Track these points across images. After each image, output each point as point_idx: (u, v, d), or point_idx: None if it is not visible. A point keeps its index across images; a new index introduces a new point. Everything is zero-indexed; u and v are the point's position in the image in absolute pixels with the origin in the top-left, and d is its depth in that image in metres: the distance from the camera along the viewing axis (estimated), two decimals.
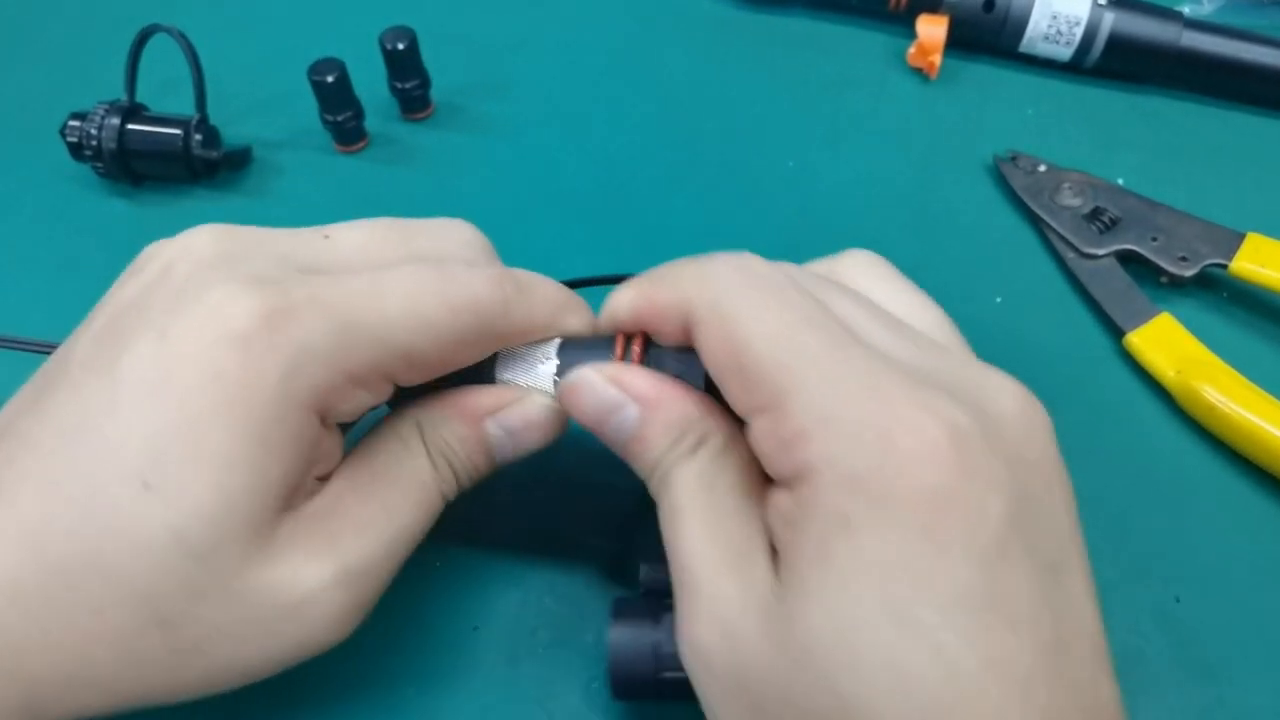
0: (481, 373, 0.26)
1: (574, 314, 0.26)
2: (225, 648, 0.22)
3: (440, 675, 0.28)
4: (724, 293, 0.21)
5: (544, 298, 0.25)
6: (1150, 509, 0.31)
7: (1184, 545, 0.31)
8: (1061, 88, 0.46)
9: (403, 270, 0.23)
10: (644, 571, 0.25)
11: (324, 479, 0.24)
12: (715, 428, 0.22)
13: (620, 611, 0.25)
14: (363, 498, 0.24)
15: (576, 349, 0.25)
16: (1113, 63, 0.45)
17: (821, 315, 0.20)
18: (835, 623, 0.18)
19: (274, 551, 0.22)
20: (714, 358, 0.21)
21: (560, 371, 0.25)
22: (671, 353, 0.24)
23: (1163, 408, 0.34)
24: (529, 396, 0.25)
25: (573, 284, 0.27)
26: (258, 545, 0.21)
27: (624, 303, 0.24)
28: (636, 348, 0.24)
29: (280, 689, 0.27)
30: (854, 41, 0.48)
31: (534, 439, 0.26)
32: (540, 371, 0.25)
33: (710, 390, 0.23)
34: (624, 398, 0.23)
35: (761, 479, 0.22)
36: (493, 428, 0.25)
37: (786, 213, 0.39)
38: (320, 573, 0.22)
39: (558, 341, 0.26)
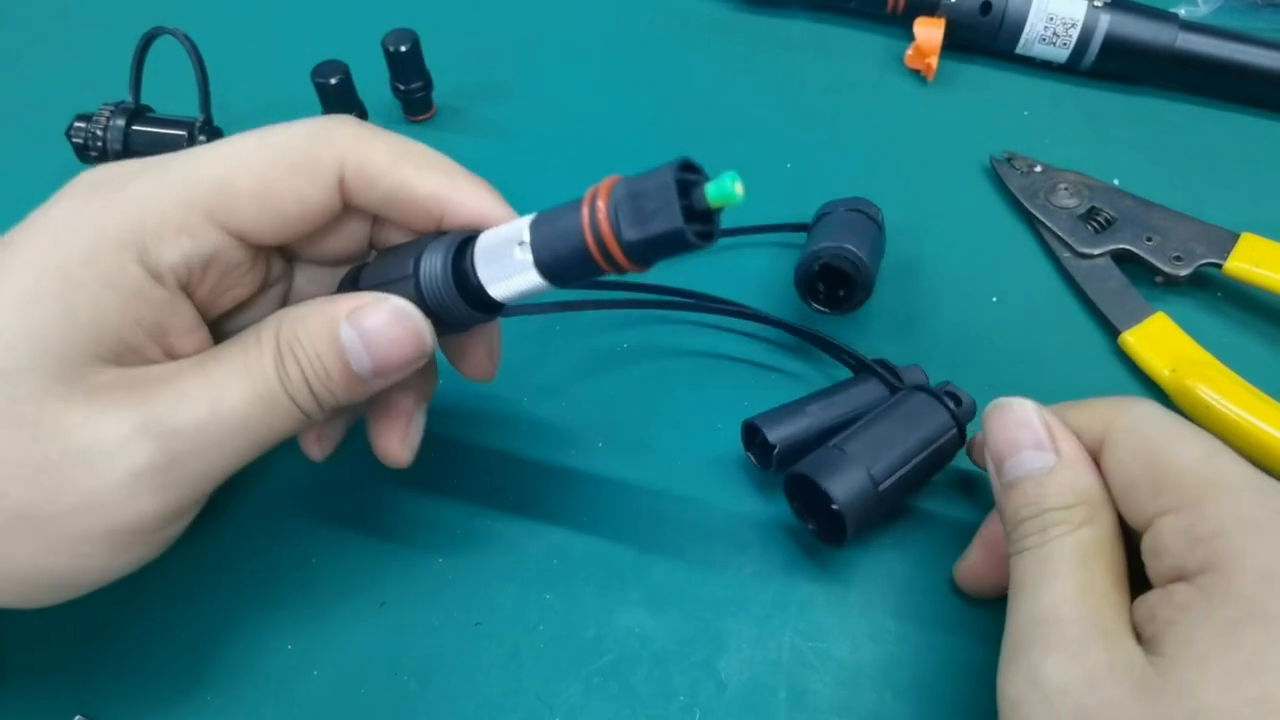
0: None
1: (419, 162, 0.24)
2: (13, 487, 0.21)
3: (443, 670, 0.28)
4: (1143, 417, 0.24)
5: (395, 140, 0.24)
6: None
7: None
8: (1058, 89, 0.46)
9: (237, 135, 0.24)
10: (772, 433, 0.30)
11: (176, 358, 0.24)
12: (1106, 516, 0.24)
13: (818, 472, 0.27)
14: (193, 373, 0.23)
15: (548, 214, 0.22)
16: (1109, 64, 0.45)
17: (1224, 446, 0.23)
18: (1232, 702, 0.19)
19: (79, 395, 0.21)
20: (1125, 467, 0.24)
21: (536, 255, 0.22)
22: (635, 178, 0.21)
23: None
24: (386, 299, 0.23)
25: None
26: (61, 383, 0.21)
27: (1033, 413, 0.26)
28: (601, 201, 0.21)
29: (283, 682, 0.28)
30: (852, 43, 0.48)
31: (389, 350, 0.23)
32: (509, 233, 0.22)
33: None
34: (1048, 443, 0.25)
35: (1124, 574, 0.24)
36: (345, 329, 0.23)
37: (785, 215, 0.40)
38: (119, 423, 0.21)
39: (529, 220, 0.22)
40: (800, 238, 0.38)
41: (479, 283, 0.23)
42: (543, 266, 0.22)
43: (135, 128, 0.40)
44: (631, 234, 0.20)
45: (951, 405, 0.30)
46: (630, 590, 0.30)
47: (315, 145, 0.23)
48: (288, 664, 0.28)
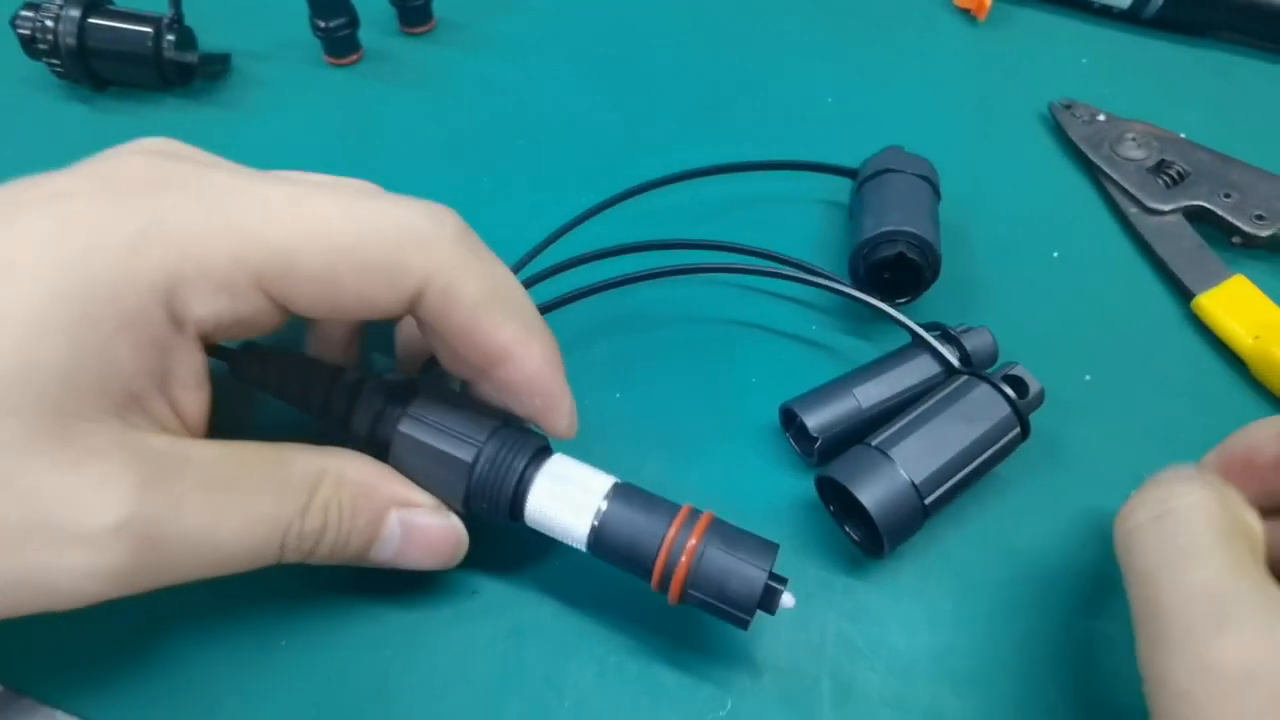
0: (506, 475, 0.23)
1: (504, 308, 0.21)
2: None
3: (432, 645, 0.24)
4: None
5: (491, 273, 0.21)
6: None
7: None
8: (1118, 37, 0.42)
9: (318, 182, 0.20)
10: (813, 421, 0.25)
11: (183, 419, 0.20)
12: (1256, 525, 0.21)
13: (854, 480, 0.24)
14: (198, 478, 0.19)
15: (630, 503, 0.23)
16: (1175, 11, 0.41)
17: None
18: None
19: (67, 456, 0.17)
20: None
21: (601, 518, 0.22)
22: (731, 534, 0.22)
23: (1234, 375, 0.31)
24: (444, 511, 0.23)
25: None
26: (49, 435, 0.17)
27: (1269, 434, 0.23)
28: (701, 524, 0.22)
29: (250, 653, 0.24)
30: None
31: (417, 554, 0.23)
32: (580, 502, 0.22)
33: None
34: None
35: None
36: (393, 520, 0.22)
37: (823, 150, 0.36)
38: (102, 512, 0.18)
39: (613, 482, 0.23)
40: (844, 184, 0.34)
41: (522, 506, 0.23)
42: (594, 545, 0.23)
43: (92, 20, 0.35)
44: (698, 594, 0.22)
45: (1014, 395, 0.26)
46: None
47: (406, 251, 0.20)
48: (256, 634, 0.24)
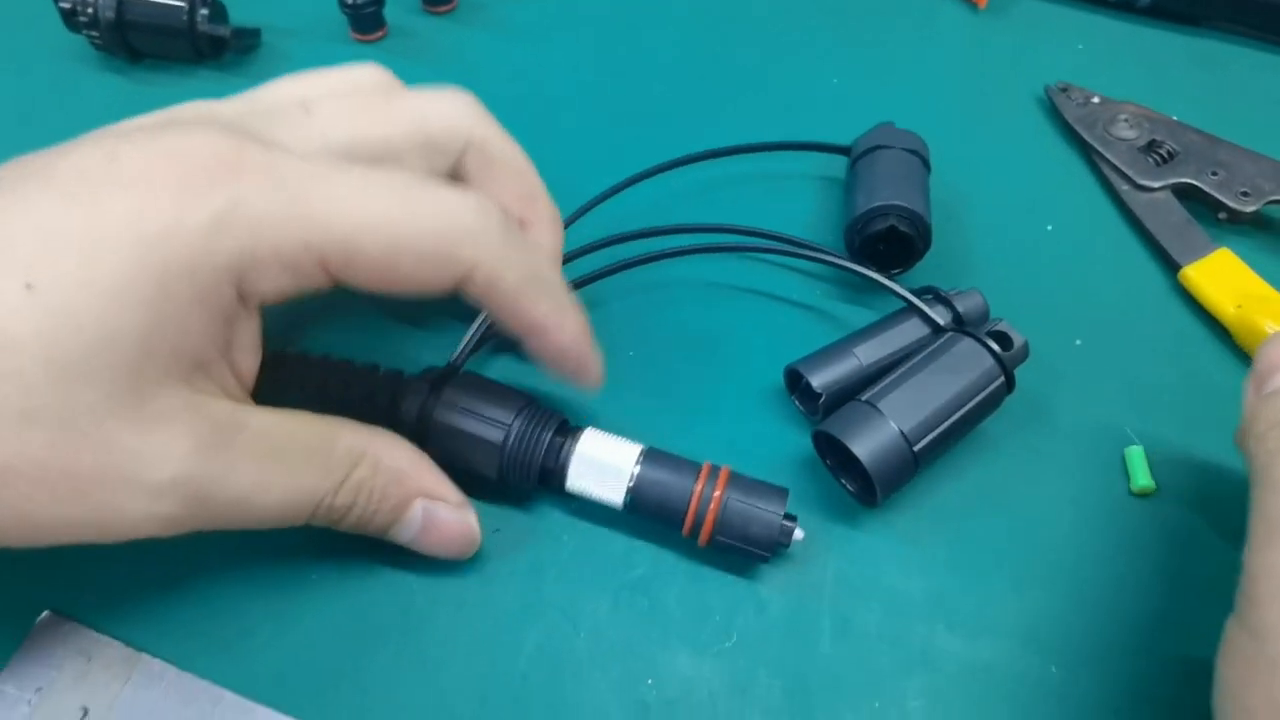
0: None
1: (540, 289, 0.23)
2: (40, 491, 0.19)
3: (454, 579, 0.26)
4: None
5: (528, 261, 0.23)
6: (1204, 443, 0.30)
7: (1239, 481, 0.29)
8: (1113, 25, 0.44)
9: (378, 174, 0.22)
10: (816, 379, 0.28)
11: (240, 380, 0.22)
12: None
13: (846, 431, 0.25)
14: (259, 447, 0.21)
15: (659, 466, 0.25)
16: (1170, 1, 0.43)
17: None
18: None
19: (140, 418, 0.20)
20: None
21: (635, 481, 0.25)
22: (748, 484, 0.25)
23: (1218, 342, 0.33)
24: (466, 508, 0.25)
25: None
26: (126, 398, 0.19)
27: None
28: (722, 477, 0.25)
29: (276, 585, 0.25)
30: None
31: (433, 542, 0.25)
32: (615, 472, 0.25)
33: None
34: None
35: None
36: (417, 509, 0.24)
37: (827, 130, 0.37)
38: (163, 467, 0.20)
39: (640, 450, 0.26)
40: (841, 161, 0.35)
41: (561, 477, 0.26)
42: (630, 506, 0.26)
43: None
44: (725, 539, 0.25)
45: (998, 349, 0.27)
46: None
47: (457, 245, 0.22)
48: (282, 566, 0.26)
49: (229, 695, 0.24)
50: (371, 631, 0.25)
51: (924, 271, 0.33)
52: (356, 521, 0.24)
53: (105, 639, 0.24)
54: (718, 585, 0.26)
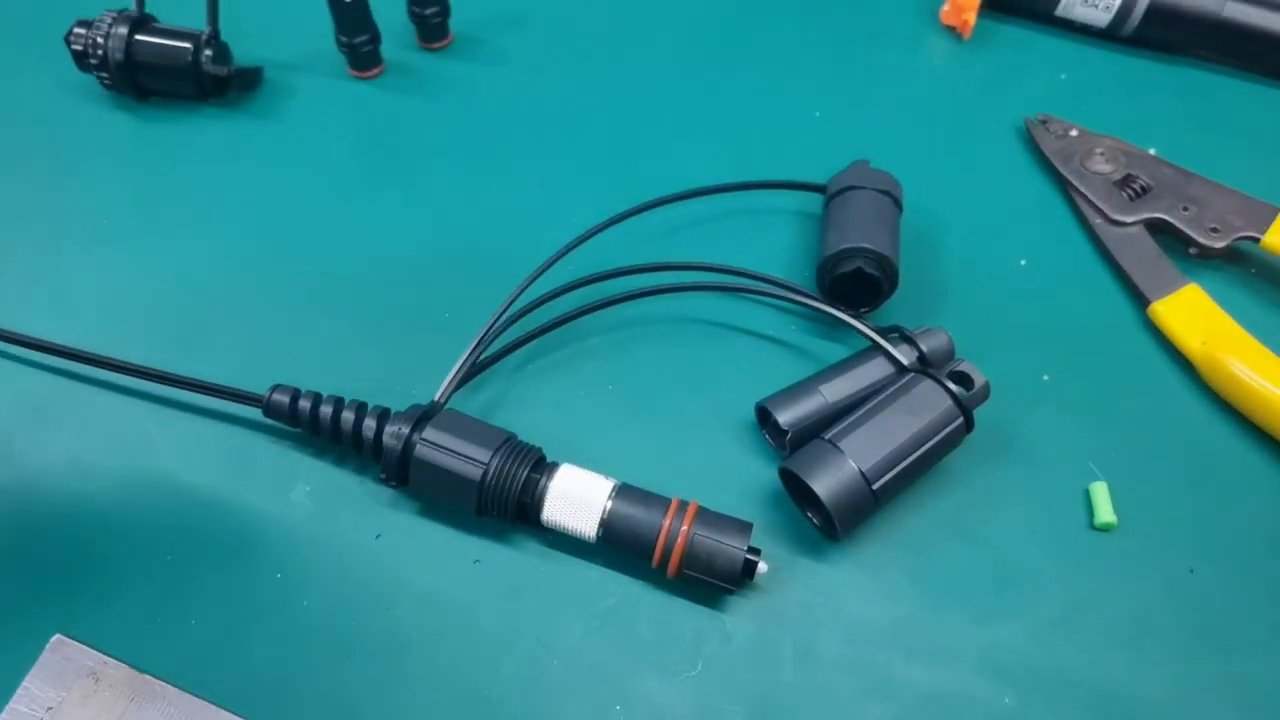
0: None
1: None
2: None
3: (438, 606, 0.27)
4: None
5: None
6: (1167, 480, 0.31)
7: (1200, 517, 0.30)
8: (1096, 55, 0.44)
9: None
10: (784, 416, 0.29)
11: None
12: None
13: (807, 470, 0.27)
14: None
15: (630, 501, 0.27)
16: (1152, 31, 0.43)
17: None
18: None
19: None
20: None
21: (607, 516, 0.27)
22: (714, 519, 0.27)
23: (1184, 378, 0.33)
24: None
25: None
26: None
27: None
28: (690, 512, 0.27)
29: (271, 611, 0.27)
30: None
31: None
32: (588, 507, 0.27)
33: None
34: None
35: None
36: None
37: (810, 163, 0.38)
38: None
39: (612, 485, 0.27)
40: (818, 198, 0.36)
41: (538, 510, 0.27)
42: (602, 539, 0.27)
43: (138, 37, 0.38)
44: (691, 572, 0.26)
45: (959, 390, 0.28)
46: None
47: None
48: (276, 593, 0.27)
49: (226, 715, 0.25)
50: (359, 657, 0.26)
51: (898, 305, 0.34)
52: None
53: (112, 661, 0.26)
54: (686, 614, 0.27)
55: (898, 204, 0.34)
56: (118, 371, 0.31)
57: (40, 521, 0.29)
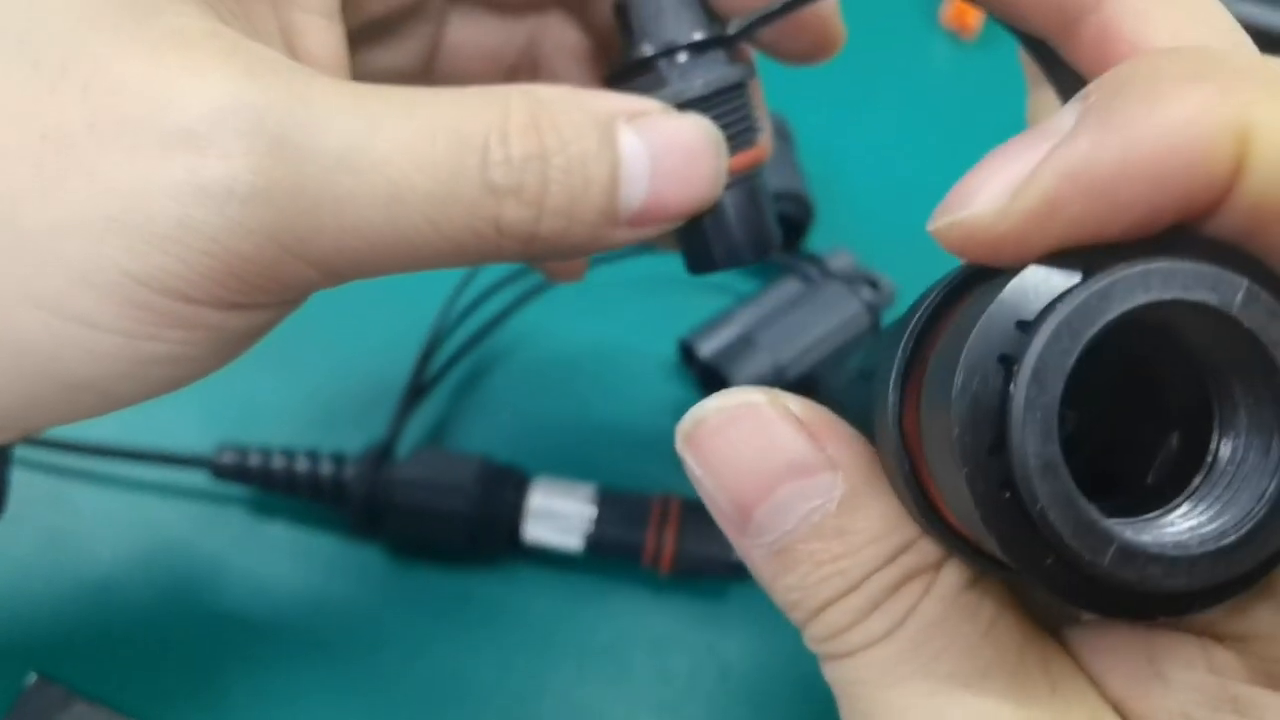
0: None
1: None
2: None
3: (427, 644, 0.27)
4: None
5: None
6: None
7: None
8: None
9: None
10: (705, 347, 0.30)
11: (298, 53, 0.16)
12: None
13: (724, 363, 0.29)
14: (333, 86, 0.14)
15: (613, 508, 0.26)
16: None
17: None
18: None
19: (146, 38, 0.13)
20: None
21: (592, 527, 0.26)
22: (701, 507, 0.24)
23: None
24: (683, 114, 0.16)
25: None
26: (119, 13, 0.13)
27: (769, 410, 0.13)
28: (674, 511, 0.26)
29: (250, 650, 0.26)
30: None
31: (680, 180, 0.15)
32: (570, 522, 0.26)
33: None
34: (813, 452, 0.13)
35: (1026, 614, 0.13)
36: (627, 136, 0.15)
37: (808, 168, 0.37)
38: (210, 92, 0.12)
39: (592, 492, 0.27)
40: None
41: (518, 537, 0.26)
42: (590, 550, 0.26)
43: None
44: (683, 566, 0.26)
45: (865, 291, 0.31)
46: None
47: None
48: (255, 632, 0.27)
49: None
50: (345, 699, 0.26)
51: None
52: (567, 196, 0.14)
53: (89, 704, 0.25)
54: (681, 650, 0.27)
55: (787, 138, 0.35)
56: (43, 448, 0.28)
57: None
